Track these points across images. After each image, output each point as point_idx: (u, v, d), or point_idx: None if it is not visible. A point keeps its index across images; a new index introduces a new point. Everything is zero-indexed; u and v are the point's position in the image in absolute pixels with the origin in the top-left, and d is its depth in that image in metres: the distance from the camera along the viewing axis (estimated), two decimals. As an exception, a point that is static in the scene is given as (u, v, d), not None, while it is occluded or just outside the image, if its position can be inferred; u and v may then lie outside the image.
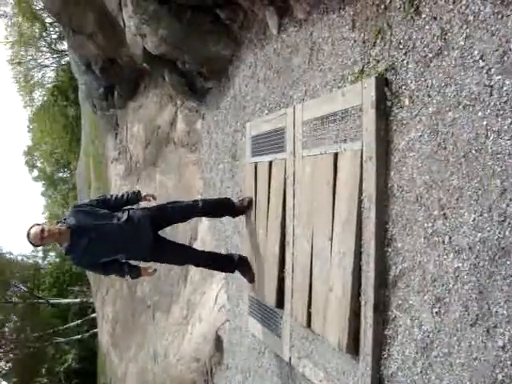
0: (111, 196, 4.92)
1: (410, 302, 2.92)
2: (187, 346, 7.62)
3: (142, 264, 5.01)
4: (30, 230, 4.45)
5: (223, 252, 5.99)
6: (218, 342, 6.55)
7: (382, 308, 3.14)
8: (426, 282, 2.80)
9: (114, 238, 4.61)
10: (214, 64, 5.95)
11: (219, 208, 5.22)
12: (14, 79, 32.99)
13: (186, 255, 5.19)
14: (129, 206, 4.90)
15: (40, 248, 33.48)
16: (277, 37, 4.64)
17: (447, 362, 2.64)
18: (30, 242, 4.49)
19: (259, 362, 5.25)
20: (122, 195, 4.89)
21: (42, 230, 4.39)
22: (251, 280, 5.11)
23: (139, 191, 4.98)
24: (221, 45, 5.61)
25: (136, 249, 4.75)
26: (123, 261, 4.86)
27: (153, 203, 5.14)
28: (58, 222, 4.66)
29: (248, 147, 5.27)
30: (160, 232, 4.96)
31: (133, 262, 4.96)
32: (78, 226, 4.52)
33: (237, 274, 5.32)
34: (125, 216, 4.68)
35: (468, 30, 2.51)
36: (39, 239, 4.42)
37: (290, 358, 4.32)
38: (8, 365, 27.16)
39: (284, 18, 4.50)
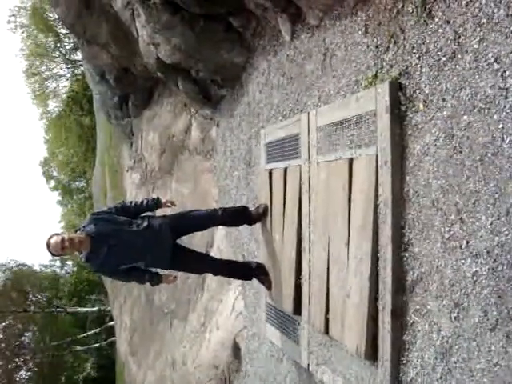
0: (130, 203, 4.90)
1: (428, 307, 2.90)
2: (205, 353, 7.62)
3: (160, 271, 5.01)
4: (49, 240, 4.42)
5: (240, 260, 6.00)
6: (236, 349, 6.54)
7: (399, 313, 3.12)
8: (443, 287, 2.78)
9: (134, 245, 4.59)
10: (227, 71, 5.98)
11: (237, 217, 5.20)
12: (29, 90, 33.38)
13: (204, 264, 5.18)
14: (148, 213, 4.89)
15: (58, 257, 33.80)
16: (290, 43, 4.65)
17: (467, 368, 2.61)
18: (51, 252, 4.49)
19: (277, 369, 5.23)
20: (142, 202, 4.86)
21: (63, 240, 4.37)
22: (269, 287, 5.09)
23: (158, 198, 4.96)
24: (234, 52, 5.64)
25: (155, 256, 4.73)
26: (143, 268, 4.84)
27: (171, 211, 5.15)
28: (76, 231, 4.65)
29: (263, 154, 5.27)
30: (178, 240, 4.96)
31: (152, 270, 4.94)
32: (97, 234, 4.50)
33: (254, 280, 5.32)
34: (145, 223, 4.66)
35: (482, 33, 2.50)
36: (60, 249, 4.41)
37: (309, 365, 4.30)
38: (28, 373, 27.37)
39: (297, 25, 4.50)
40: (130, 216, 4.74)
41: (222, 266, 5.23)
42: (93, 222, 4.59)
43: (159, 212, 5.19)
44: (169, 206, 5.04)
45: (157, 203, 4.88)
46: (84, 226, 4.61)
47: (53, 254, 4.56)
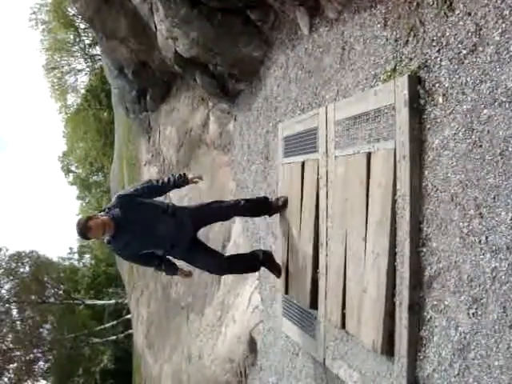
0: (157, 182, 4.78)
1: (446, 302, 2.87)
2: (221, 347, 7.64)
3: (178, 263, 5.02)
4: (87, 223, 4.32)
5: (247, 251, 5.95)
6: (252, 344, 6.55)
7: (417, 309, 3.10)
8: (462, 283, 2.75)
9: (157, 232, 4.57)
10: (245, 65, 5.97)
11: (258, 207, 5.17)
12: (48, 84, 33.67)
13: (215, 264, 5.11)
14: (173, 202, 4.83)
15: (76, 249, 34.11)
16: (308, 37, 4.62)
17: (485, 365, 2.59)
18: (87, 237, 4.46)
19: (293, 363, 5.23)
20: (169, 179, 4.76)
21: (104, 223, 4.34)
22: (278, 275, 5.11)
23: (185, 174, 4.86)
24: (252, 46, 5.62)
25: (175, 245, 4.72)
26: (163, 255, 4.82)
27: (187, 202, 5.14)
28: (101, 211, 4.57)
29: (280, 148, 5.26)
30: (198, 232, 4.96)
31: (171, 260, 4.94)
32: (122, 218, 4.42)
33: (271, 275, 5.31)
34: (170, 210, 4.64)
35: (504, 25, 2.47)
36: (101, 232, 4.37)
37: (325, 360, 4.30)
38: (46, 365, 27.66)
39: (315, 18, 4.48)
40: (157, 195, 4.74)
41: (233, 266, 5.21)
42: (118, 206, 4.50)
43: (180, 200, 5.13)
44: (196, 182, 4.95)
45: (184, 180, 4.78)
46: (109, 208, 4.53)
47: (87, 238, 4.52)
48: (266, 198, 5.29)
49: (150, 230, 4.55)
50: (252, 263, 5.26)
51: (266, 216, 5.44)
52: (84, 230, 4.31)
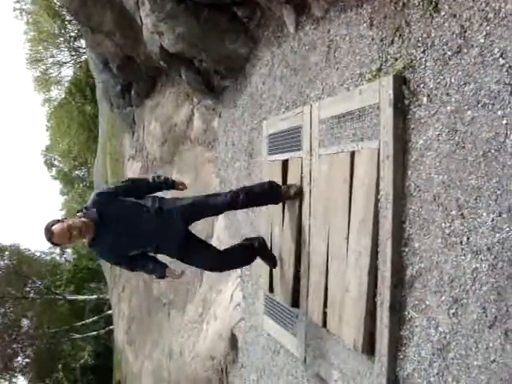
0: (139, 181, 4.53)
1: (427, 302, 2.89)
2: (202, 344, 7.63)
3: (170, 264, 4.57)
4: (51, 227, 3.88)
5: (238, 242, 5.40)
6: (233, 341, 6.55)
7: (398, 308, 3.11)
8: (443, 283, 2.77)
9: (142, 230, 4.18)
10: (230, 62, 5.95)
11: (261, 199, 4.61)
12: (31, 77, 33.31)
13: (214, 261, 4.68)
14: (158, 194, 4.43)
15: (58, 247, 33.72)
16: (294, 35, 4.62)
17: (464, 364, 2.61)
18: (53, 242, 3.97)
19: (274, 361, 5.24)
20: (154, 180, 4.40)
21: (70, 228, 3.87)
22: (274, 265, 4.84)
23: (169, 178, 4.50)
24: (238, 43, 5.61)
25: (164, 243, 4.32)
26: (151, 255, 4.42)
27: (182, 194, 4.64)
28: (78, 211, 4.13)
29: (264, 145, 5.26)
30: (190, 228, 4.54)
31: (160, 260, 4.50)
32: (102, 218, 4.04)
33: (253, 272, 5.31)
34: (155, 206, 4.22)
35: (488, 28, 2.48)
36: (68, 238, 3.92)
37: (305, 358, 4.30)
38: (26, 360, 27.46)
39: (301, 16, 4.48)
40: (139, 195, 4.31)
41: (233, 260, 4.79)
42: (97, 204, 4.10)
43: (163, 194, 4.76)
44: (181, 189, 4.53)
45: (168, 185, 4.44)
46: (86, 208, 4.12)
47: (55, 244, 4.07)
48: (271, 184, 4.61)
49: (134, 228, 4.15)
50: (249, 253, 4.81)
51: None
52: (48, 234, 3.91)
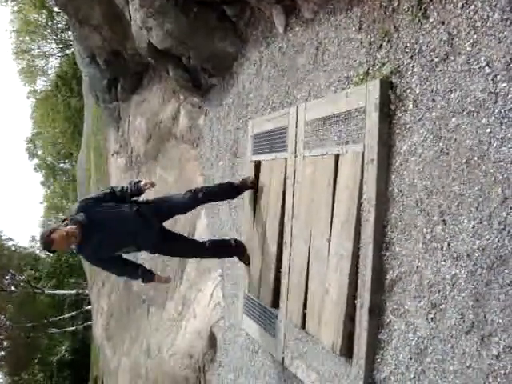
0: (116, 188, 4.72)
1: (406, 307, 2.90)
2: (181, 342, 7.60)
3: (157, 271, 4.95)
4: (51, 236, 4.15)
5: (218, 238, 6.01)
6: (212, 339, 6.53)
7: (377, 312, 3.12)
8: (422, 288, 2.78)
9: (125, 230, 4.49)
10: (218, 60, 5.93)
11: (223, 194, 5.15)
12: (17, 67, 32.97)
13: (190, 247, 5.15)
14: (136, 199, 4.76)
15: (38, 237, 33.50)
16: (283, 36, 4.62)
17: (440, 369, 2.62)
18: (50, 250, 4.28)
19: (252, 360, 5.23)
20: (127, 188, 4.69)
21: (68, 234, 4.17)
22: (247, 262, 5.12)
23: (139, 181, 4.76)
24: (226, 41, 5.59)
25: (144, 239, 4.65)
26: (138, 263, 4.84)
27: (152, 195, 5.05)
28: (63, 220, 4.41)
29: (249, 145, 5.25)
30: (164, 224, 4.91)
31: (147, 267, 4.92)
32: (89, 222, 4.31)
33: (233, 271, 5.31)
34: (134, 208, 4.58)
35: (475, 36, 2.49)
36: (67, 245, 4.27)
37: (283, 359, 4.30)
38: (1, 353, 27.21)
39: (291, 17, 4.48)
40: (118, 201, 4.62)
41: (207, 249, 5.13)
42: (82, 210, 4.41)
43: (142, 197, 5.01)
44: (149, 188, 4.77)
45: (138, 189, 4.71)
46: (72, 216, 4.40)
47: (52, 251, 4.38)
48: (231, 184, 5.15)
49: (118, 229, 4.46)
50: (227, 249, 5.26)
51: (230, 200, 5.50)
52: (47, 242, 4.16)
